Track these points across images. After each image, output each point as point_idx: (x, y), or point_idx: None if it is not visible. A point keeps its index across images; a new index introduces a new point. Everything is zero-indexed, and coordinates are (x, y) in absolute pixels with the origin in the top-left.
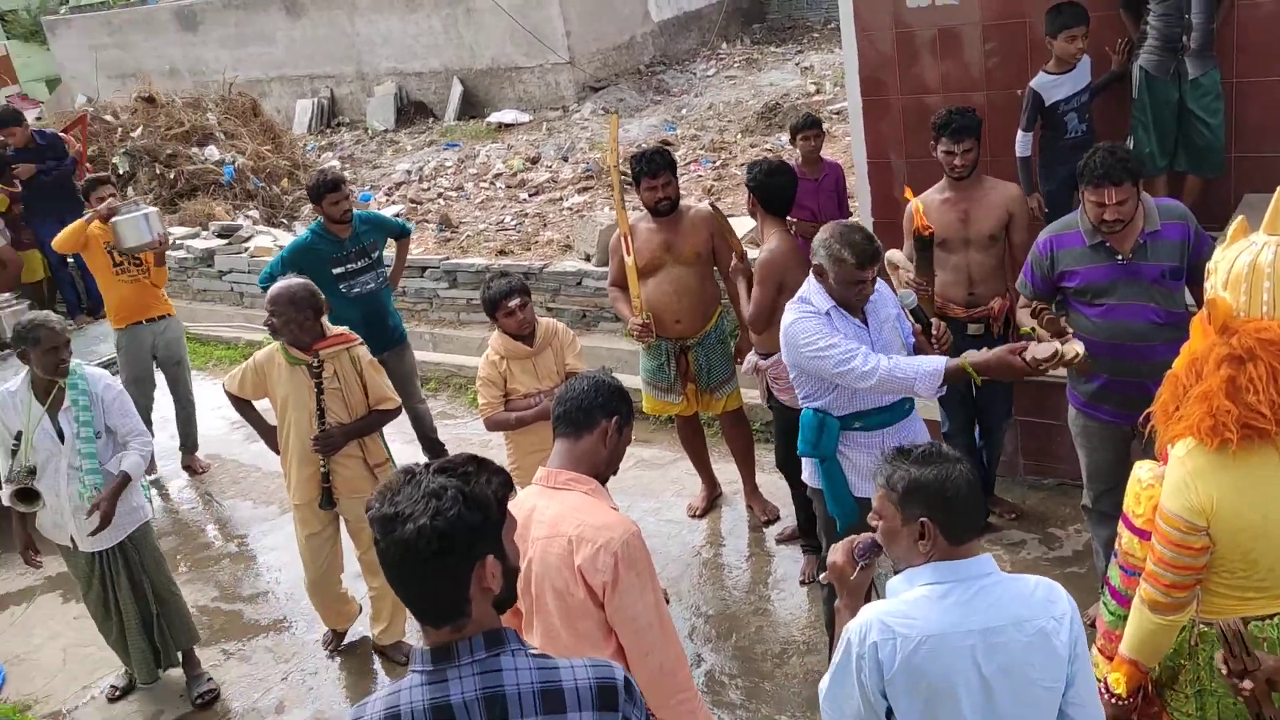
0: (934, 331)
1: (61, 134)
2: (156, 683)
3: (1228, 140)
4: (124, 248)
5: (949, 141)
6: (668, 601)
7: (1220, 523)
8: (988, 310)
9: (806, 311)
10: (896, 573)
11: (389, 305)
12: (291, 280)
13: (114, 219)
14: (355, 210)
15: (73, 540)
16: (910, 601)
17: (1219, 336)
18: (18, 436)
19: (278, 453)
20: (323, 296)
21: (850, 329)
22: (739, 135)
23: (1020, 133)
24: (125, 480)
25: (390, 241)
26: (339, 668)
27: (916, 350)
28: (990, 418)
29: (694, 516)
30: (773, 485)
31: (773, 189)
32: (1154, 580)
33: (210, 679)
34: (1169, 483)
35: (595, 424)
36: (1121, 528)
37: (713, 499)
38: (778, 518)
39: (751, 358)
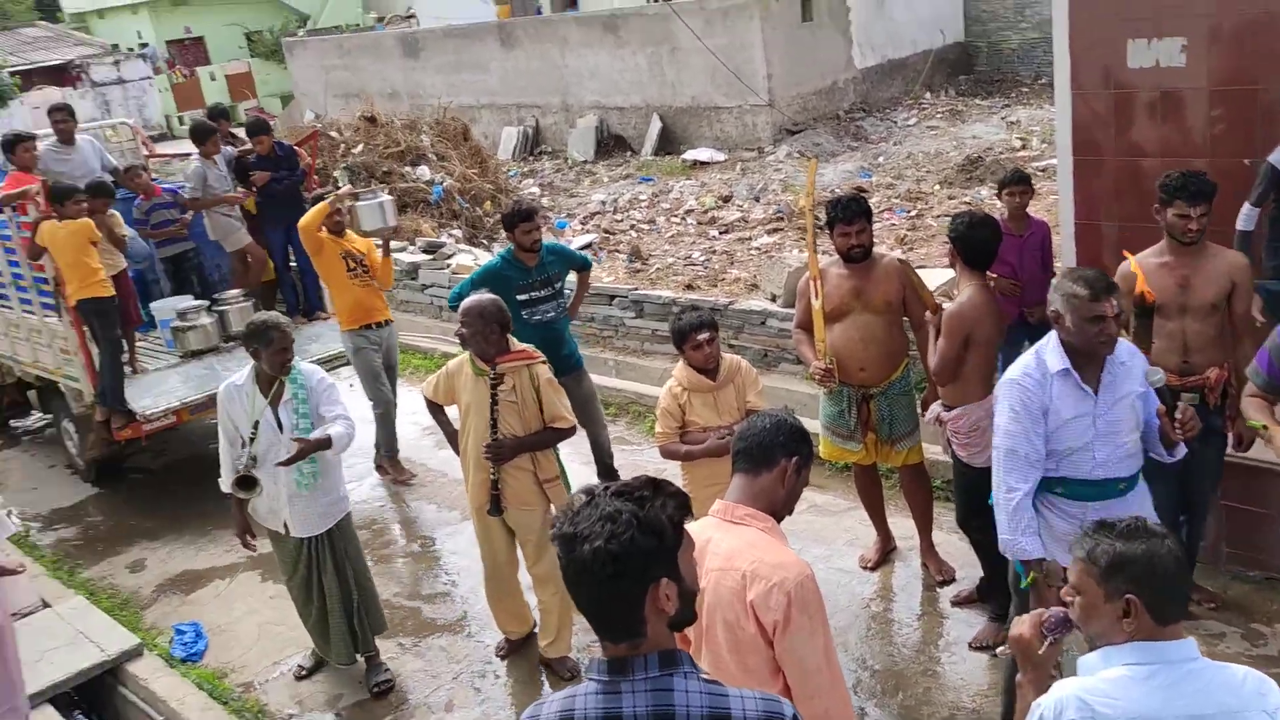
0: (1178, 415)
1: (295, 146)
2: (352, 665)
3: None
4: (361, 229)
5: (1185, 205)
6: None
7: None
8: (1203, 380)
9: (1028, 377)
10: (1092, 649)
11: (566, 334)
12: (483, 295)
13: (355, 203)
14: (544, 241)
15: (286, 526)
16: (1111, 681)
17: None
18: (255, 426)
19: (459, 455)
20: (509, 314)
21: (1074, 398)
22: (937, 186)
23: (1247, 206)
24: (327, 441)
25: (572, 274)
26: (507, 674)
27: (1160, 434)
28: (1196, 493)
29: (866, 568)
30: (950, 545)
31: (975, 242)
32: None
33: (388, 669)
34: None
35: (775, 462)
36: None
37: (886, 552)
38: (954, 579)
39: (935, 408)
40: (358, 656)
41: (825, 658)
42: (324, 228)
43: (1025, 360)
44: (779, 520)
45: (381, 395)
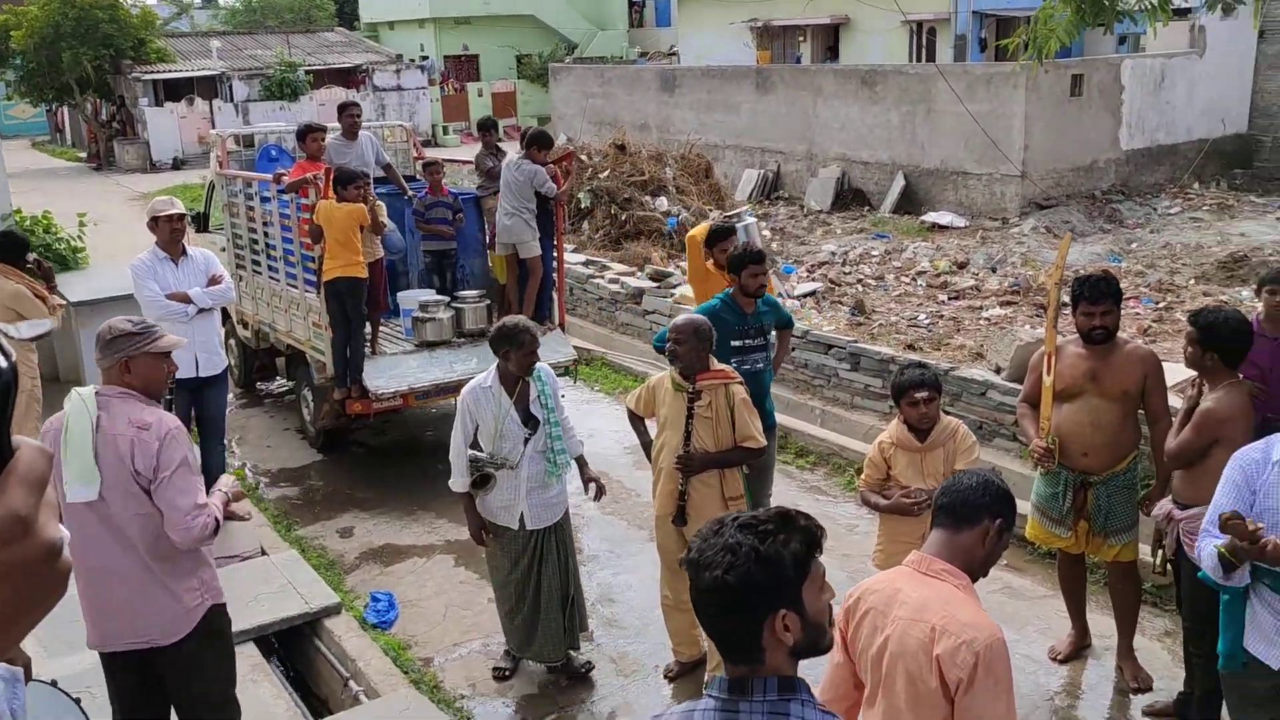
0: None
1: (552, 163)
2: (560, 662)
3: None
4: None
5: None
6: None
7: None
8: None
9: (1250, 455)
10: None
11: (769, 389)
12: (696, 314)
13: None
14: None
15: (522, 519)
16: None
17: None
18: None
19: (651, 464)
20: (715, 335)
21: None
22: (1191, 281)
23: None
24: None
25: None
26: (670, 696)
27: None
28: None
29: (1055, 660)
30: (1150, 653)
31: (1236, 341)
32: None
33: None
34: None
35: (978, 521)
36: None
37: (1080, 648)
38: (1149, 688)
39: (1166, 504)
40: (569, 653)
41: None
42: (714, 260)
43: (1258, 443)
44: (974, 580)
45: (775, 453)
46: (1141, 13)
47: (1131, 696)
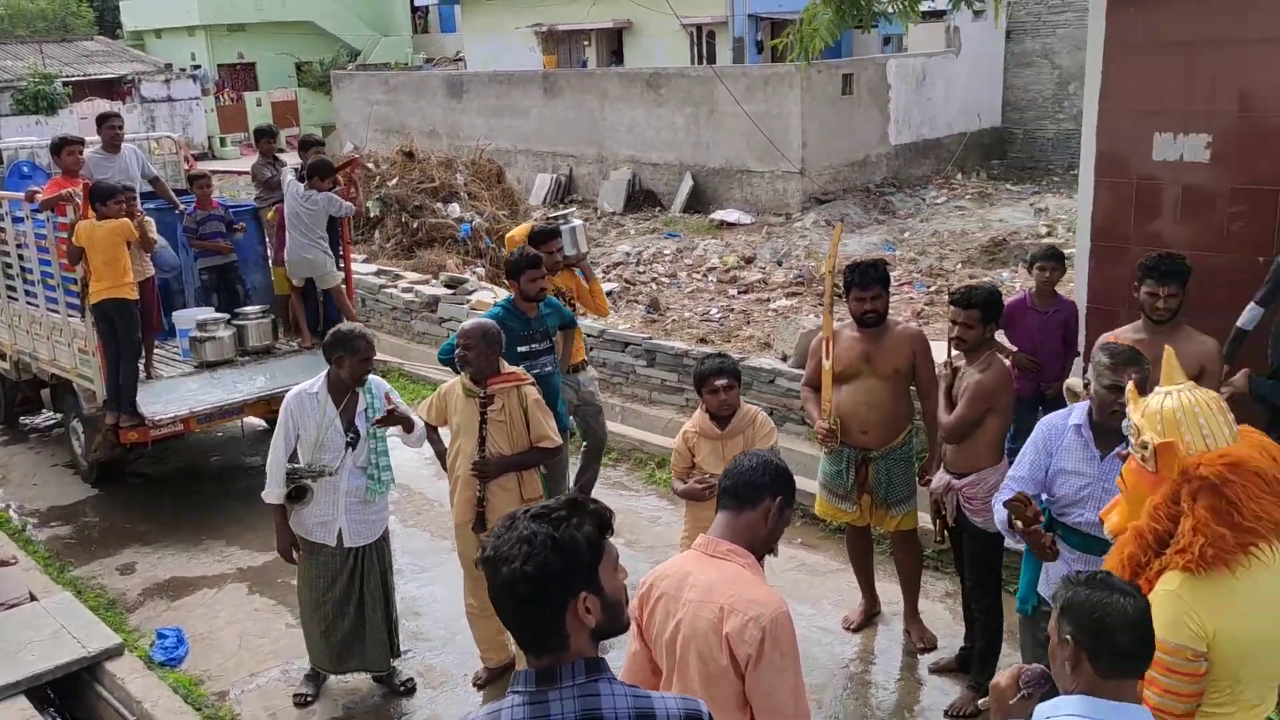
0: None
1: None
2: (385, 672)
3: None
4: (567, 253)
5: (1154, 284)
6: None
7: (1223, 648)
8: None
9: (1053, 419)
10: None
11: (559, 392)
12: (483, 318)
13: (566, 226)
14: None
15: (340, 536)
16: None
17: (1180, 477)
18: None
19: (446, 472)
20: (504, 338)
21: (1080, 455)
22: (959, 265)
23: (1252, 305)
24: (411, 423)
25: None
26: (481, 703)
27: None
28: None
29: (849, 629)
30: (934, 613)
31: (1000, 307)
32: (1167, 713)
33: (407, 675)
34: (1165, 617)
35: (759, 501)
36: None
37: (871, 615)
38: (934, 647)
39: (943, 476)
40: (391, 664)
41: (793, 695)
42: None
43: (1064, 410)
44: (760, 558)
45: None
46: (895, 13)
47: (919, 656)
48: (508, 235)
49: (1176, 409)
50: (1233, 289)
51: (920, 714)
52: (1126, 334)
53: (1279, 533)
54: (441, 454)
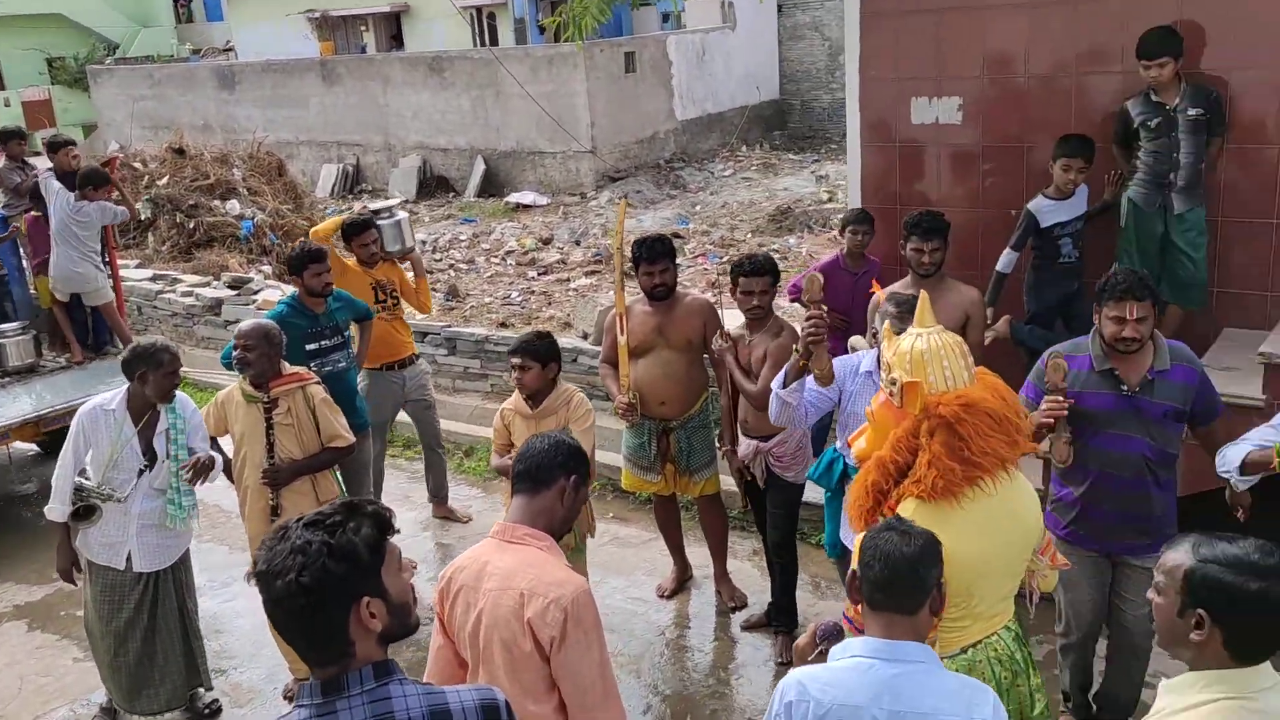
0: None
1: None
2: (183, 706)
3: (1210, 275)
4: (387, 249)
5: (919, 240)
6: None
7: (951, 566)
8: None
9: (851, 358)
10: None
11: (356, 387)
12: (263, 319)
13: (380, 222)
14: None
15: (129, 559)
16: (835, 669)
17: (922, 413)
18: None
19: (234, 485)
20: (284, 338)
21: (864, 396)
22: (749, 235)
23: (1008, 250)
24: (211, 462)
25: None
26: None
27: None
28: None
29: (662, 597)
30: (743, 573)
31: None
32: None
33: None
34: None
35: (553, 482)
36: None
37: (683, 581)
38: (745, 604)
39: (748, 442)
40: (187, 698)
41: (600, 673)
42: (355, 257)
43: (855, 355)
44: (559, 538)
45: (379, 447)
46: None
47: (731, 615)
48: (312, 231)
49: (925, 350)
50: (990, 240)
51: (735, 671)
52: (897, 288)
53: (1003, 466)
54: (227, 466)
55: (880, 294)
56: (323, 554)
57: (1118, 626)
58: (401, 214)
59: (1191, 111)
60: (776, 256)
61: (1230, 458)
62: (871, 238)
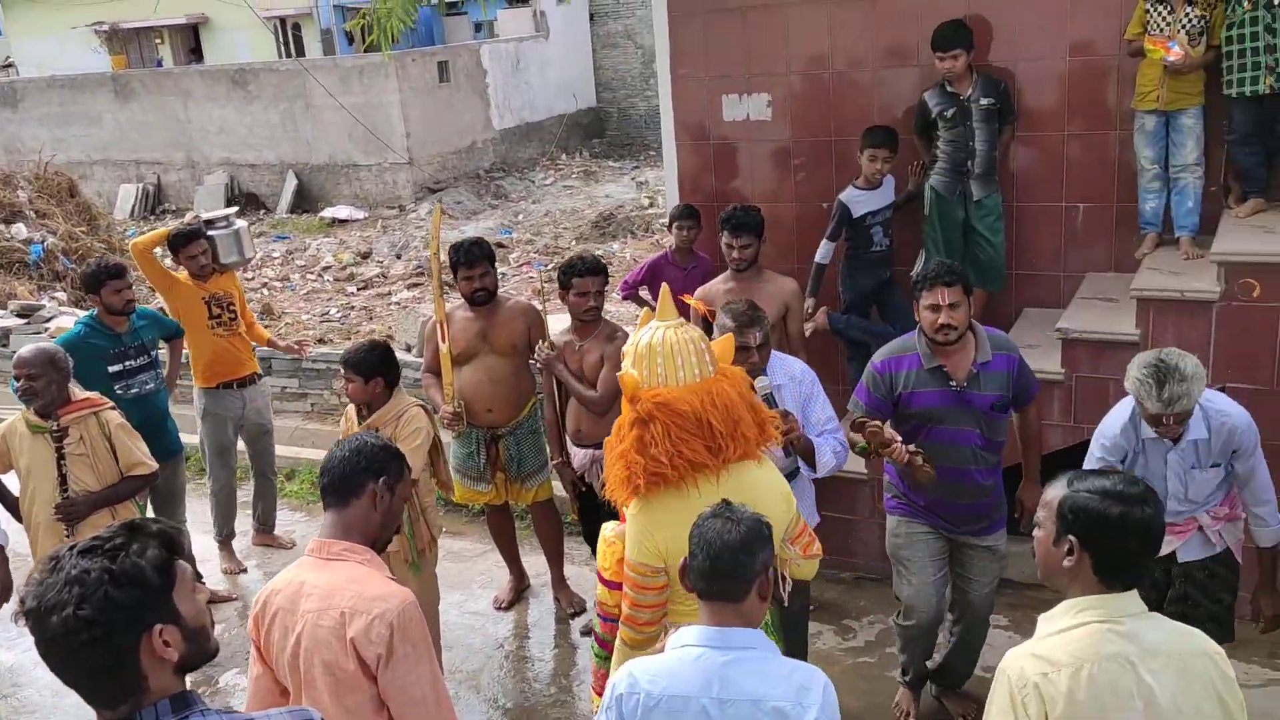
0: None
1: None
2: None
3: (1009, 258)
4: (222, 262)
5: (729, 235)
6: None
7: (673, 558)
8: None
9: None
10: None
11: (167, 410)
12: (43, 342)
13: (212, 232)
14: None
15: None
16: (666, 659)
17: (629, 406)
18: None
19: (22, 524)
20: (71, 363)
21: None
22: (573, 241)
23: (824, 241)
24: None
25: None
26: None
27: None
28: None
29: (500, 608)
30: (581, 577)
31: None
32: (631, 623)
33: None
34: (630, 538)
35: (362, 489)
36: (597, 582)
37: (520, 591)
38: (584, 609)
39: (583, 452)
40: None
41: (432, 687)
42: (185, 270)
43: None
44: (381, 548)
45: (225, 476)
46: None
47: (571, 621)
48: (133, 243)
49: (652, 344)
50: (806, 233)
51: (576, 677)
52: (717, 284)
53: (705, 469)
54: (13, 505)
55: (698, 304)
56: (104, 582)
57: (963, 604)
58: (239, 222)
59: (984, 101)
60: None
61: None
62: (699, 232)
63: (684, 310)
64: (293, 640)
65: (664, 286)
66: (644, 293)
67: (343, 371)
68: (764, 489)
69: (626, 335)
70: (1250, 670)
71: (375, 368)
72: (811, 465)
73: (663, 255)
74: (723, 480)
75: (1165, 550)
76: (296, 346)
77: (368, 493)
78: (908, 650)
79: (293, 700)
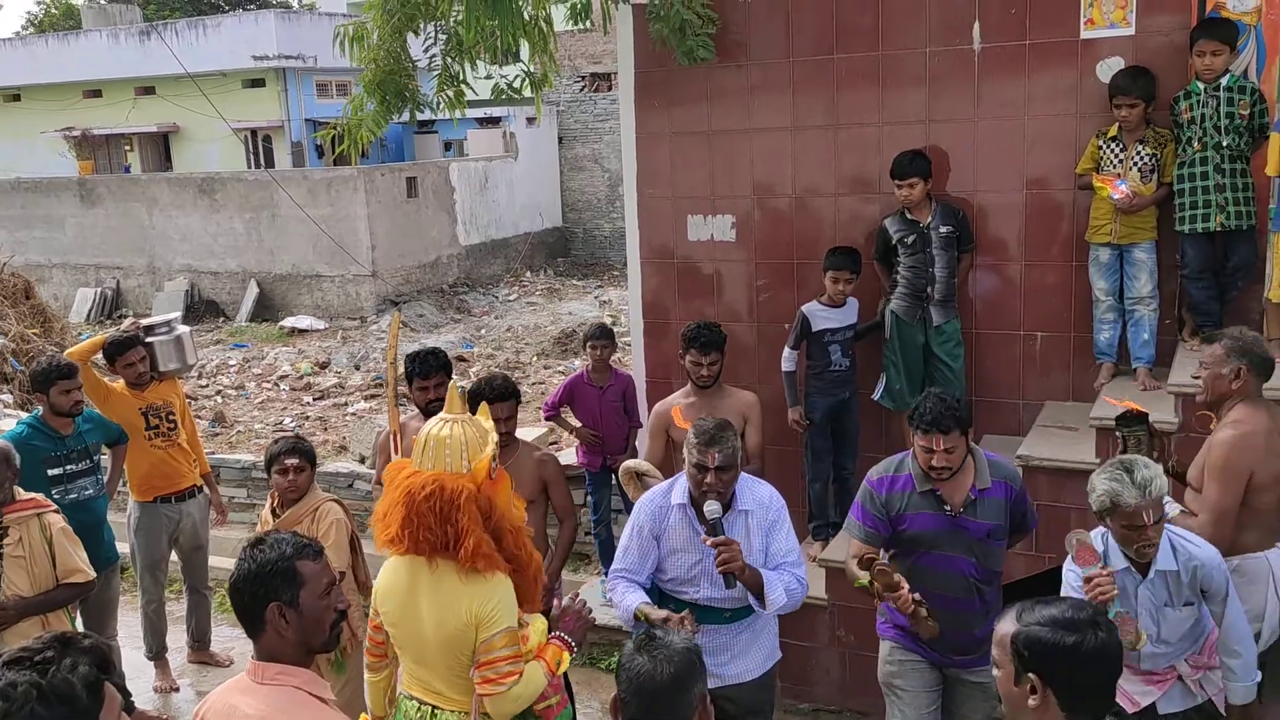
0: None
1: None
2: None
3: (968, 384)
4: (161, 369)
5: (698, 354)
6: None
7: (380, 605)
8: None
9: (653, 501)
10: None
11: (105, 517)
12: None
13: (152, 339)
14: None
15: None
16: None
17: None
18: None
19: None
20: (18, 461)
21: (685, 533)
22: (534, 357)
23: (787, 349)
24: None
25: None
26: None
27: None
28: None
29: None
30: None
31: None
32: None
33: None
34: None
35: (262, 620)
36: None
37: None
38: None
39: None
40: None
41: None
42: (122, 379)
43: (661, 486)
44: (326, 649)
45: (154, 589)
46: (440, 104)
47: None
48: (68, 352)
49: (430, 436)
50: (767, 351)
51: None
52: (678, 399)
53: (430, 557)
54: None
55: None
56: (31, 698)
57: None
58: (182, 328)
59: (943, 229)
60: (560, 377)
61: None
62: (612, 351)
63: (599, 428)
64: None
65: (451, 387)
66: (565, 412)
67: (290, 460)
68: (467, 600)
69: (547, 455)
70: None
71: (312, 455)
72: (761, 601)
73: (579, 375)
74: (435, 570)
75: (1145, 701)
76: (221, 511)
77: (269, 621)
78: None
79: None
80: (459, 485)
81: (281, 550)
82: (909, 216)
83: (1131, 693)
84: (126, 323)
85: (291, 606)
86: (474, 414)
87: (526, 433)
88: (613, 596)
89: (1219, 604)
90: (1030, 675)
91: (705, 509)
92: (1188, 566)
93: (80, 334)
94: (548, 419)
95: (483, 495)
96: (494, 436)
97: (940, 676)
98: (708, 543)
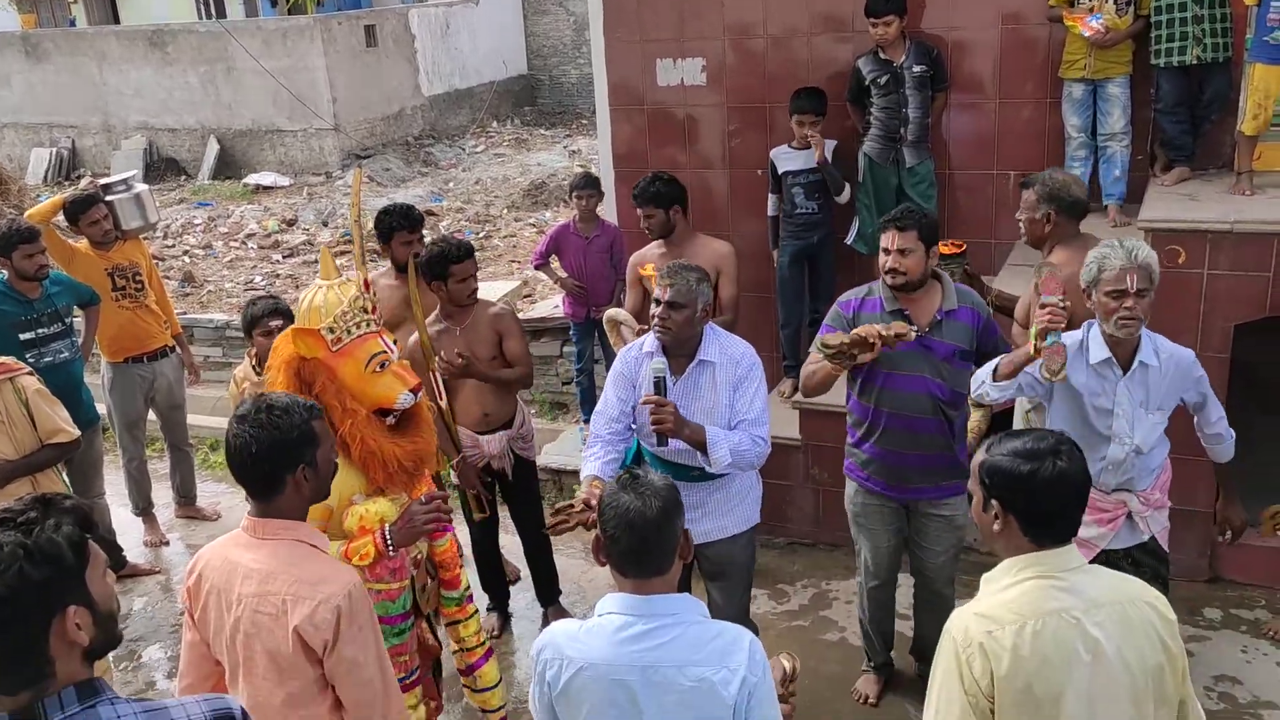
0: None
1: None
2: None
3: (940, 225)
4: (124, 228)
5: (638, 207)
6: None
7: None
8: None
9: (629, 352)
10: None
11: (82, 379)
12: None
13: (111, 197)
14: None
15: None
16: (590, 627)
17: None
18: None
19: None
20: None
21: (649, 380)
22: (504, 210)
23: (770, 195)
24: None
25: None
26: None
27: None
28: None
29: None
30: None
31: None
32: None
33: None
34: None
35: (282, 483)
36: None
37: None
38: (518, 578)
39: (495, 438)
40: None
41: (379, 667)
42: (86, 239)
43: (640, 340)
44: (323, 498)
45: (135, 450)
46: None
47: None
48: (28, 214)
49: (307, 303)
50: (740, 198)
51: (515, 647)
52: (651, 249)
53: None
54: None
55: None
56: (19, 557)
57: (920, 576)
58: (140, 185)
59: (916, 68)
60: (532, 230)
61: (980, 374)
62: (599, 200)
63: (583, 278)
64: (230, 621)
65: (324, 250)
66: (554, 262)
67: (274, 322)
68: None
69: (500, 303)
70: None
71: (291, 315)
72: (706, 456)
73: (565, 225)
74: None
75: (1101, 545)
76: (194, 370)
77: (289, 484)
78: (867, 618)
79: (229, 678)
80: (284, 346)
81: (298, 414)
82: (882, 56)
83: (1087, 538)
84: (84, 183)
85: (311, 466)
86: (441, 279)
87: (501, 286)
88: (584, 457)
89: (1202, 387)
90: (994, 502)
91: (651, 366)
92: (1168, 365)
93: (39, 195)
94: (536, 268)
95: (322, 365)
96: (360, 317)
97: (904, 512)
98: (640, 401)
